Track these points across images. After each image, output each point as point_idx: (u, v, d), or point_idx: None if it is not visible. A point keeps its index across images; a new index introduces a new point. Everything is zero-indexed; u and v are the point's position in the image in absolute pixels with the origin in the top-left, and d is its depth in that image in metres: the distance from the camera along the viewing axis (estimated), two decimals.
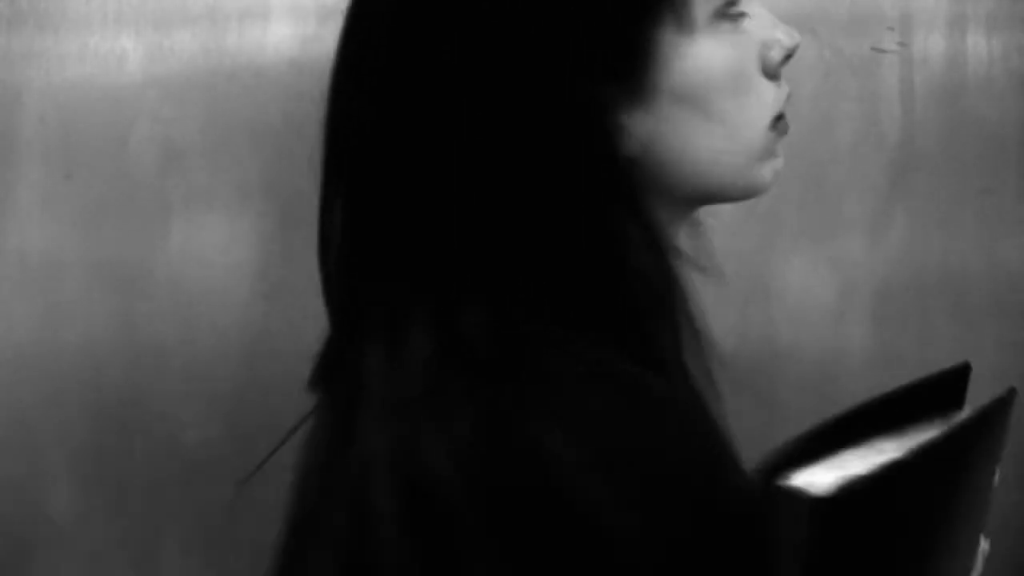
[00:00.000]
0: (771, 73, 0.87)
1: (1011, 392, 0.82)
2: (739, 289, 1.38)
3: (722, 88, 0.84)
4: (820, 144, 1.38)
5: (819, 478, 0.71)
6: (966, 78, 1.37)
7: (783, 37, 0.87)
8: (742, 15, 0.85)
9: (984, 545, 0.93)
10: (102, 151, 1.32)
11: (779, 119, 0.89)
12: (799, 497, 0.69)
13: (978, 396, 1.38)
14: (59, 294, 1.31)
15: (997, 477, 0.88)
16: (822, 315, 1.38)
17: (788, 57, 0.88)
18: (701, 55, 0.83)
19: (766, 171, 0.89)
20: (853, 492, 0.69)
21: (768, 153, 0.88)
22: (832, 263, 1.38)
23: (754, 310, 1.38)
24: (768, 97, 0.87)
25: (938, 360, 1.39)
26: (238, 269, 1.35)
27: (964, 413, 0.84)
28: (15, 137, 1.33)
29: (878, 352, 1.38)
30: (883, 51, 1.37)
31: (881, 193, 1.38)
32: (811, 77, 1.36)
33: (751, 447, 1.35)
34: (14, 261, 1.33)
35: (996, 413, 0.82)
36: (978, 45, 1.38)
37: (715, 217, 1.39)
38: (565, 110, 0.79)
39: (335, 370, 0.86)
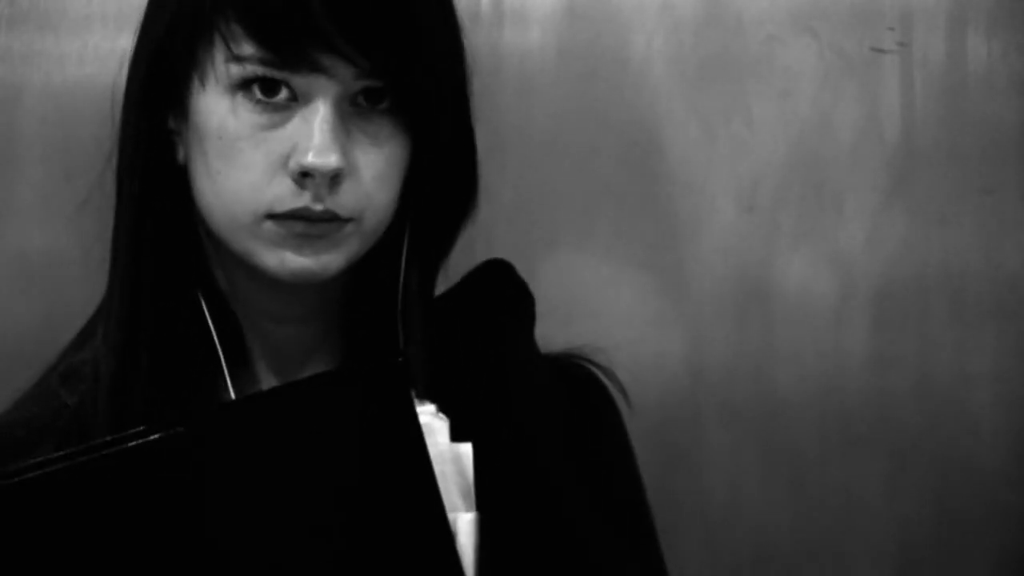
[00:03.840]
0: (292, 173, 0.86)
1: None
2: (739, 289, 1.38)
3: (212, 145, 0.88)
4: (820, 144, 1.37)
5: None
6: (966, 78, 1.37)
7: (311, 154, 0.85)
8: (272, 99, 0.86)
9: None
10: (102, 151, 1.32)
11: (286, 217, 0.86)
12: None
13: (978, 396, 1.39)
14: (59, 294, 1.31)
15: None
16: (822, 315, 1.38)
17: (307, 175, 0.85)
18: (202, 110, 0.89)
19: (266, 255, 0.87)
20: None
21: (265, 239, 0.87)
22: (832, 263, 1.38)
23: (753, 310, 1.38)
24: (259, 179, 0.86)
25: (938, 360, 1.39)
26: None
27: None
28: (15, 137, 1.33)
29: (878, 352, 1.38)
30: (883, 51, 1.37)
31: (881, 193, 1.38)
32: (811, 77, 1.36)
33: (751, 447, 1.36)
34: (14, 261, 1.33)
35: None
36: (978, 45, 1.37)
37: (715, 216, 1.39)
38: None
39: None
